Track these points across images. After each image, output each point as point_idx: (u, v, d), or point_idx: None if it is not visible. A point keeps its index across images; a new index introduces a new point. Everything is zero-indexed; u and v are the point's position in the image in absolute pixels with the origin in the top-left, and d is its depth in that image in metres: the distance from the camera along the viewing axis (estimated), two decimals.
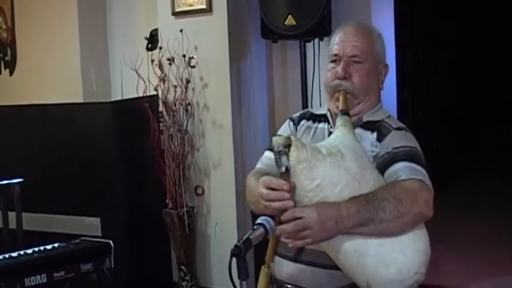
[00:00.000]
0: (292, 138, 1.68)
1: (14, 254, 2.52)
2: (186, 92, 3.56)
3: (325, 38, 3.30)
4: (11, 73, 4.56)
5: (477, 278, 3.85)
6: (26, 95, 4.32)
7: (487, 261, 4.08)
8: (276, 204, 1.66)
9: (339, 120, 1.84)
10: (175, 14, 3.64)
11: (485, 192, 5.86)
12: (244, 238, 1.56)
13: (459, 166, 6.49)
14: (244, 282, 1.52)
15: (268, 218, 1.65)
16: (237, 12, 3.59)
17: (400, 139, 1.84)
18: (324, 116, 2.02)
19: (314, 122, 2.04)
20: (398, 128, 1.89)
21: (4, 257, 2.48)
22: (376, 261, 1.65)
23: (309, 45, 3.49)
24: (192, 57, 3.56)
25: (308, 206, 1.65)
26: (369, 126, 1.91)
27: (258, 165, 2.05)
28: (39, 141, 3.76)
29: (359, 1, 3.56)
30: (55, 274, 2.46)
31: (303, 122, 2.06)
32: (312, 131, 2.02)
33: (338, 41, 1.96)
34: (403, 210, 1.64)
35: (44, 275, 2.42)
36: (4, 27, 4.58)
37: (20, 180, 3.09)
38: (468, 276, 3.87)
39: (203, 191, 3.66)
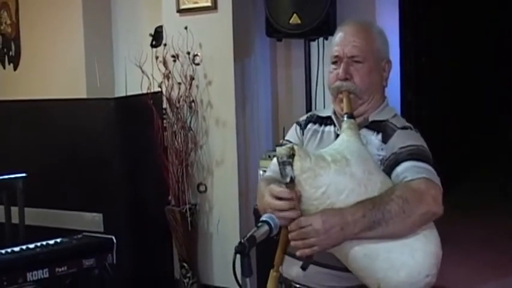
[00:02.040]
0: (295, 147, 1.67)
1: (17, 249, 2.52)
2: (190, 89, 3.56)
3: (330, 37, 3.27)
4: (15, 68, 4.57)
5: (479, 280, 3.85)
6: (30, 90, 4.33)
7: (489, 263, 4.08)
8: (281, 214, 1.67)
9: (345, 124, 1.84)
10: (180, 11, 3.64)
11: (487, 193, 5.86)
12: (248, 235, 1.55)
13: (462, 165, 6.48)
14: (247, 279, 1.52)
15: (273, 216, 1.64)
16: (241, 10, 3.59)
17: (406, 138, 1.83)
18: (330, 118, 2.02)
19: (320, 125, 2.03)
20: (404, 128, 1.88)
21: (6, 252, 2.49)
22: (386, 265, 1.65)
23: (314, 44, 3.49)
24: (197, 55, 3.56)
25: (313, 215, 1.65)
26: (375, 126, 1.90)
27: (268, 173, 2.05)
28: (42, 136, 3.75)
29: (364, 0, 3.55)
30: (57, 269, 2.46)
31: (310, 125, 2.06)
32: (319, 135, 2.01)
33: (338, 42, 1.95)
34: (410, 211, 1.63)
35: (46, 269, 2.43)
36: (8, 22, 4.58)
37: (23, 175, 3.09)
38: (470, 278, 3.86)
39: (206, 188, 3.66)
